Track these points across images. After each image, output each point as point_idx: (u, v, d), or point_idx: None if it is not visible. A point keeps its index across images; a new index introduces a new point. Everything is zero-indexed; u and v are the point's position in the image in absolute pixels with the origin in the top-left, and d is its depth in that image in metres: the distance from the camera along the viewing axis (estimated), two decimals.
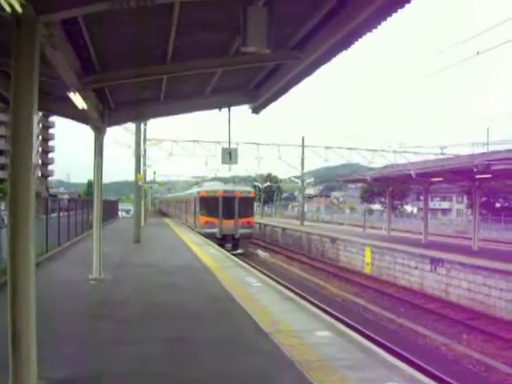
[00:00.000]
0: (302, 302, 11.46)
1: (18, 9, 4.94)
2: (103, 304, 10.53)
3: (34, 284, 5.51)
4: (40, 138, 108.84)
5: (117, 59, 9.41)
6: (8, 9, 4.91)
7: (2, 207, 15.44)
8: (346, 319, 14.39)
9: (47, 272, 14.87)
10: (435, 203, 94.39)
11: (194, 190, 42.43)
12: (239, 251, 31.77)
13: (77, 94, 9.27)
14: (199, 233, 33.03)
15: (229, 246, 31.59)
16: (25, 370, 5.28)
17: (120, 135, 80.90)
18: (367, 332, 13.06)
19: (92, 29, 7.55)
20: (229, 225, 33.18)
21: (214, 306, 10.36)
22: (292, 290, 17.63)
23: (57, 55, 7.14)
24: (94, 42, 8.19)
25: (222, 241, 31.83)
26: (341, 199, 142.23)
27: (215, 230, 32.83)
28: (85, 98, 9.99)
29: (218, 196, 34.01)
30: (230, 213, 33.34)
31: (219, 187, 37.27)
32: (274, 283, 14.12)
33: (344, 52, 8.56)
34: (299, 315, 9.66)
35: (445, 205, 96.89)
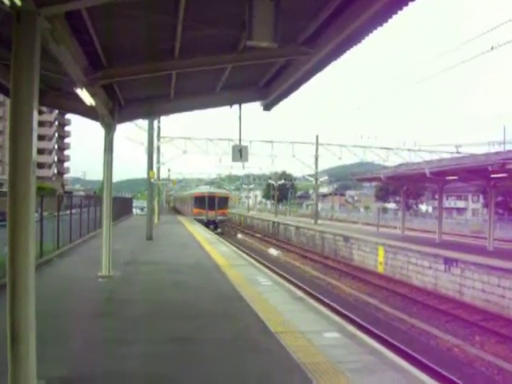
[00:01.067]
0: (312, 301, 11.33)
1: (17, 2, 4.84)
2: (110, 302, 10.47)
3: (34, 283, 5.40)
4: (56, 135, 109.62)
5: (124, 55, 9.31)
6: (7, 2, 4.81)
7: None
8: (357, 319, 14.23)
9: (57, 268, 14.93)
10: (450, 202, 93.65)
11: (191, 191, 64.15)
12: (218, 230, 46.60)
13: (84, 90, 9.20)
14: (194, 219, 49.29)
15: (212, 227, 46.21)
16: (23, 369, 5.18)
17: (135, 132, 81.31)
18: (377, 332, 12.89)
19: (97, 24, 7.46)
20: (211, 214, 50.54)
21: (222, 306, 10.25)
22: (303, 289, 17.52)
23: (61, 50, 7.04)
24: (100, 38, 8.10)
25: (207, 224, 46.84)
26: (356, 198, 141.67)
27: (203, 217, 49.61)
28: (93, 95, 9.92)
29: (205, 196, 52.15)
30: (212, 206, 50.85)
31: (206, 190, 57.45)
32: (284, 282, 14.01)
33: (354, 47, 8.43)
34: (308, 315, 9.52)
35: (460, 204, 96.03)
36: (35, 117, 5.28)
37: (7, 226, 5.27)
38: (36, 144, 5.31)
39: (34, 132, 5.25)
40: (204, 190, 58.48)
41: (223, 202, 52.88)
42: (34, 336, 5.36)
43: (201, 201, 51.50)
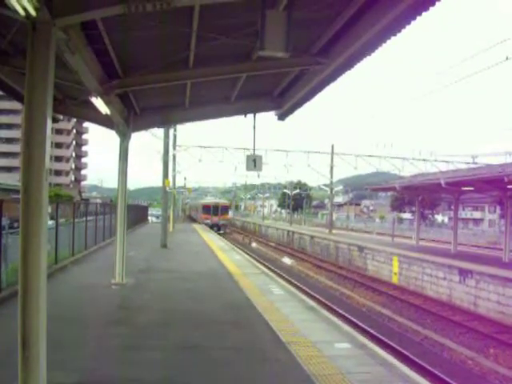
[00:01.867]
0: (324, 311, 11.31)
1: (32, 12, 4.92)
2: (122, 309, 10.52)
3: (45, 289, 5.46)
4: (74, 143, 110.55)
5: (139, 65, 9.39)
6: (22, 12, 4.88)
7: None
8: (370, 329, 14.14)
9: (71, 275, 15.03)
10: (467, 213, 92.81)
11: (201, 201, 79.85)
12: (221, 231, 58.34)
13: (99, 99, 9.31)
14: (203, 223, 63.27)
15: (216, 229, 58.05)
16: (34, 375, 5.22)
17: (152, 140, 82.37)
18: (390, 343, 12.80)
19: (112, 34, 7.55)
20: (215, 218, 63.54)
21: (233, 315, 10.25)
22: (316, 299, 17.46)
23: (76, 60, 7.12)
24: (115, 48, 8.20)
25: (212, 226, 59.34)
26: (371, 208, 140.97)
27: (209, 221, 62.60)
28: (108, 103, 10.03)
29: (211, 205, 66.58)
30: (216, 213, 64.27)
31: (211, 200, 74.26)
32: (296, 291, 13.98)
33: (368, 57, 8.45)
34: (320, 325, 9.49)
35: (477, 215, 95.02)
36: (49, 124, 5.34)
37: (20, 232, 5.34)
38: (49, 151, 5.37)
39: (47, 139, 5.31)
40: (209, 200, 76.28)
41: (224, 209, 67.95)
42: (45, 342, 5.40)
43: (207, 209, 66.13)
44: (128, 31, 7.58)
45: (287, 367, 6.85)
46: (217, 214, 64.16)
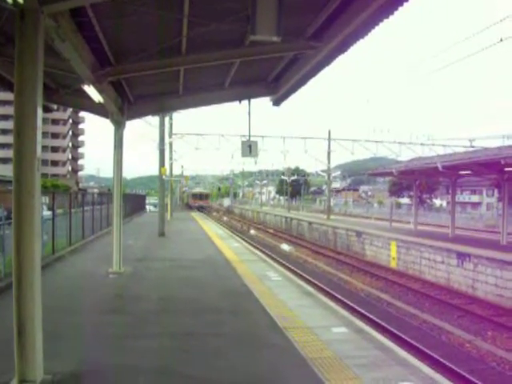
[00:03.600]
0: (321, 297, 11.32)
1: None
2: (119, 298, 10.53)
3: (40, 278, 5.46)
4: (70, 133, 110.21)
5: (131, 52, 9.30)
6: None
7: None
8: (368, 314, 14.17)
9: (68, 265, 15.03)
10: (465, 197, 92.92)
11: (192, 190, 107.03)
12: (203, 211, 77.04)
13: (91, 87, 9.25)
14: (193, 206, 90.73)
15: (201, 209, 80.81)
16: (30, 364, 5.23)
17: (150, 129, 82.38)
18: (388, 327, 12.84)
19: (103, 21, 7.48)
20: (199, 202, 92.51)
21: (231, 301, 10.26)
22: (314, 285, 17.49)
23: (66, 47, 7.07)
24: (107, 34, 8.13)
25: (198, 208, 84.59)
26: (369, 193, 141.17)
27: (196, 205, 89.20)
28: (101, 92, 9.97)
29: (197, 193, 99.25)
30: (201, 198, 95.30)
31: (197, 190, 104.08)
32: (295, 277, 14.00)
33: (361, 40, 8.37)
34: (317, 311, 9.51)
35: (475, 198, 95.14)
36: (39, 114, 5.31)
37: (13, 222, 5.32)
38: (40, 141, 5.35)
39: (38, 129, 5.29)
40: (197, 190, 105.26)
41: (206, 196, 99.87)
42: (41, 331, 5.42)
43: (195, 196, 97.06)
44: (118, 17, 7.50)
45: (284, 352, 6.87)
46: (201, 199, 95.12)
